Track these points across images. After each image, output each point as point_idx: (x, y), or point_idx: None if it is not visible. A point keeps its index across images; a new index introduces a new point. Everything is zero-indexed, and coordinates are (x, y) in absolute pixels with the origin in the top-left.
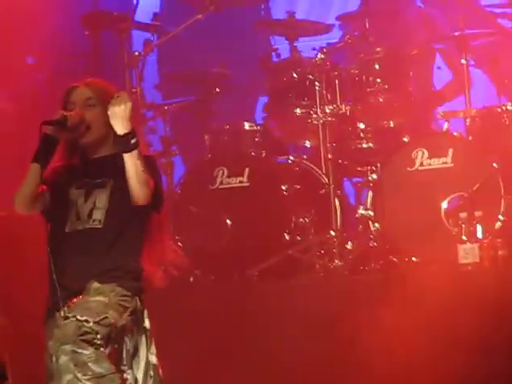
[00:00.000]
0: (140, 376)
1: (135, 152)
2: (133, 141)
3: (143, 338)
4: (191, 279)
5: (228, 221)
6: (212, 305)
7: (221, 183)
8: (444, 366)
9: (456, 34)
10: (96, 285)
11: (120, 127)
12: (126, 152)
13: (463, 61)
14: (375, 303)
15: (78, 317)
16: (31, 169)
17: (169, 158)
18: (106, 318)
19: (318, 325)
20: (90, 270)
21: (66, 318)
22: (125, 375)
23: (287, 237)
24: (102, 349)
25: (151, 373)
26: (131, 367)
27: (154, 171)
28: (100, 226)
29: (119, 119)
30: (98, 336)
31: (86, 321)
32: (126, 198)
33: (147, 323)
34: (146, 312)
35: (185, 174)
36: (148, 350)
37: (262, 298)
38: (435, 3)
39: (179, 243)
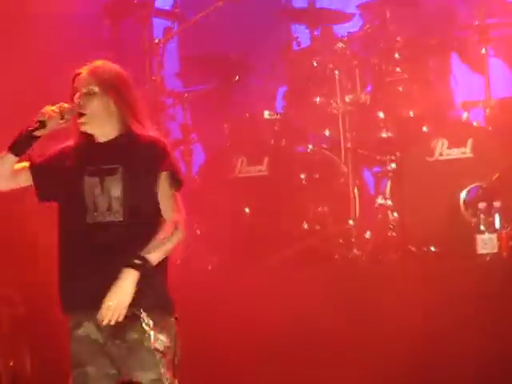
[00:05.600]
0: None
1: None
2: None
3: None
4: (209, 267)
5: (247, 209)
6: (230, 293)
7: (240, 172)
8: (462, 353)
9: (476, 23)
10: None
11: None
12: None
13: (483, 50)
14: (393, 293)
15: None
16: (5, 157)
17: (188, 145)
18: None
19: (337, 313)
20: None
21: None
22: None
23: (306, 226)
24: None
25: None
26: None
27: (171, 159)
28: (121, 219)
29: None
30: None
31: None
32: (138, 185)
33: None
34: None
35: (204, 162)
36: None
37: (281, 287)
38: None
39: (197, 231)
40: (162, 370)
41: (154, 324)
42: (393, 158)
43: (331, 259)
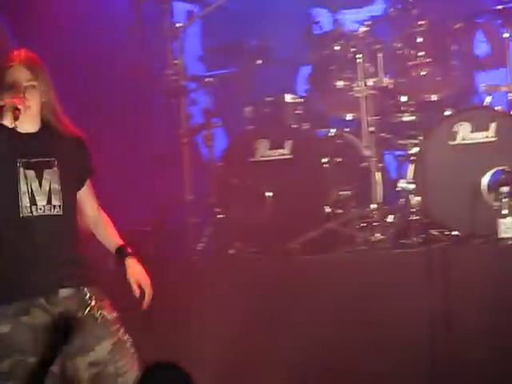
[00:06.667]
0: None
1: None
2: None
3: None
4: (231, 251)
5: (269, 193)
6: (252, 277)
7: (262, 155)
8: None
9: (499, 7)
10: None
11: None
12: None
13: (506, 34)
14: (415, 277)
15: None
16: None
17: (210, 130)
18: None
19: (358, 298)
20: (61, 261)
21: None
22: None
23: (328, 210)
24: None
25: None
26: None
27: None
28: (61, 213)
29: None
30: None
31: None
32: (71, 178)
33: None
34: None
35: (226, 146)
36: None
37: (303, 271)
38: None
39: (220, 215)
40: (120, 333)
41: (96, 296)
42: (415, 141)
43: (353, 243)
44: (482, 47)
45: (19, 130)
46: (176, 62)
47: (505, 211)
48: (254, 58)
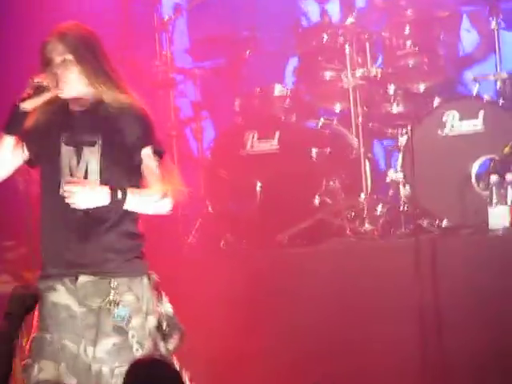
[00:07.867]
0: None
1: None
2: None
3: None
4: (222, 243)
5: (258, 185)
6: (243, 269)
7: (251, 147)
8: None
9: None
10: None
11: None
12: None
13: (494, 23)
14: (404, 267)
15: None
16: (4, 141)
17: (199, 122)
18: None
19: (347, 289)
20: (93, 244)
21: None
22: None
23: (317, 200)
24: None
25: None
26: None
27: (151, 131)
28: None
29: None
30: None
31: None
32: (117, 157)
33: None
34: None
35: (215, 138)
36: None
37: (293, 262)
38: None
39: (210, 208)
40: (128, 335)
41: (120, 289)
42: (404, 131)
43: (343, 234)
44: (469, 36)
45: (70, 104)
46: (164, 53)
47: (494, 200)
48: (242, 50)
